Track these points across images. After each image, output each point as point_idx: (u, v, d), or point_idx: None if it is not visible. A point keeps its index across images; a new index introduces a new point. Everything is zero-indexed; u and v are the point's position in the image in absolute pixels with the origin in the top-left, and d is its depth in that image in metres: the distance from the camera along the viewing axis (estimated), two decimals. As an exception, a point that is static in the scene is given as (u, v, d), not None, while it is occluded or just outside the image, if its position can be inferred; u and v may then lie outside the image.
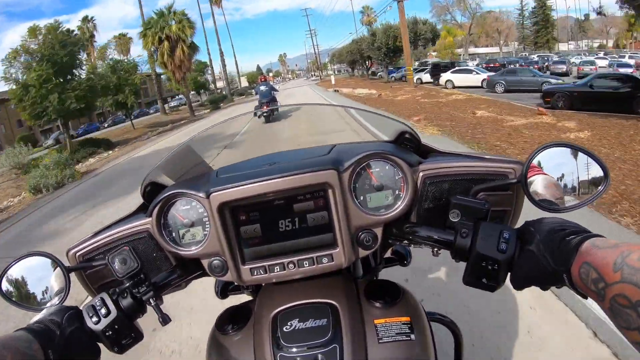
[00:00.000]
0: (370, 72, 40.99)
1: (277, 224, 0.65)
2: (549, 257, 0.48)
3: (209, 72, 47.85)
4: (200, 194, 0.64)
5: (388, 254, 0.96)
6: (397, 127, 0.74)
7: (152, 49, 23.83)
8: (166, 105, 39.27)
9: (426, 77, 24.25)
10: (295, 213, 0.64)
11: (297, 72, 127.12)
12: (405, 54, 21.92)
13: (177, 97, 47.84)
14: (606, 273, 0.39)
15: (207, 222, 0.65)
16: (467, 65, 22.82)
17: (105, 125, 37.13)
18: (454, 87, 19.42)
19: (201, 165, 0.78)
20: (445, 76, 20.67)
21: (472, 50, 55.02)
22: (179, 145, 0.76)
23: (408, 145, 0.73)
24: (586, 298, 0.45)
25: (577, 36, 56.88)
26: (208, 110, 29.47)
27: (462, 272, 0.55)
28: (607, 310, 0.40)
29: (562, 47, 55.19)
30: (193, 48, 24.20)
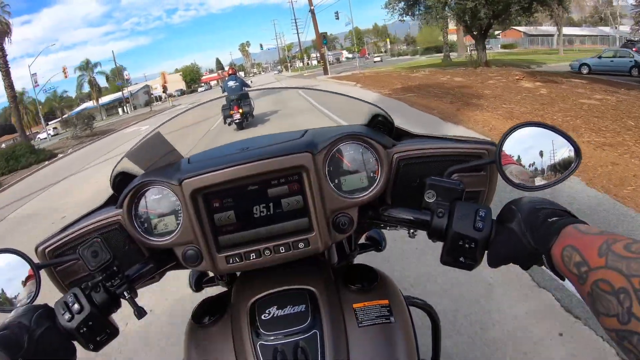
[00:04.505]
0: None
1: (252, 210, 0.64)
2: (529, 236, 0.48)
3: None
4: (172, 182, 0.62)
5: (362, 240, 0.97)
6: (370, 111, 0.74)
7: None
8: None
9: None
10: (269, 198, 0.64)
11: (265, 65, 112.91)
12: None
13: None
14: (590, 257, 0.39)
15: (180, 211, 0.64)
16: None
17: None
18: None
19: (172, 153, 0.76)
20: None
21: (548, 29, 38.39)
22: (148, 133, 0.74)
23: (381, 128, 0.74)
24: (563, 279, 0.45)
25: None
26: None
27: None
28: (586, 294, 0.40)
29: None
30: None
